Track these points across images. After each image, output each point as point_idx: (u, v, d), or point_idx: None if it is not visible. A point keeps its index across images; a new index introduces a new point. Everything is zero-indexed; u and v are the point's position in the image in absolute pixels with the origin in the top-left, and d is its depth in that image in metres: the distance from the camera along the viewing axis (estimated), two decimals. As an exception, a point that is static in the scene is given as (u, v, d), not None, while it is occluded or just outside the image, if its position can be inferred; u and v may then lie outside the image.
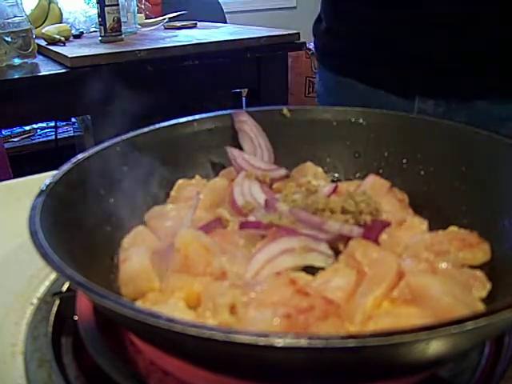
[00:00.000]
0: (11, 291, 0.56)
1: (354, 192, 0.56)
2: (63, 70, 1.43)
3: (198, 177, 0.64)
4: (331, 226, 0.52)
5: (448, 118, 0.75)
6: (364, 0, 0.85)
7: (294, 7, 3.42)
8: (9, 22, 1.46)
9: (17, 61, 1.50)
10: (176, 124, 0.65)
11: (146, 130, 0.62)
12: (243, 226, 0.54)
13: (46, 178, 0.49)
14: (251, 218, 0.56)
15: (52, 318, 0.51)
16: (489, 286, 0.47)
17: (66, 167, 0.52)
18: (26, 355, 0.47)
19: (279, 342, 0.29)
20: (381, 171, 0.65)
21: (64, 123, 2.67)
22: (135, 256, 0.49)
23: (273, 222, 0.52)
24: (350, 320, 0.42)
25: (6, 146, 2.32)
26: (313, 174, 0.65)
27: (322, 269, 0.49)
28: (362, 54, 0.88)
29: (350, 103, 0.69)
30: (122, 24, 1.65)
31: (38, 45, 1.59)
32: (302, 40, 1.71)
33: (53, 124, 2.63)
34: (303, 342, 0.29)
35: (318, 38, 0.99)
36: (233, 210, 0.59)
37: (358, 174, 0.67)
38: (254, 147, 0.67)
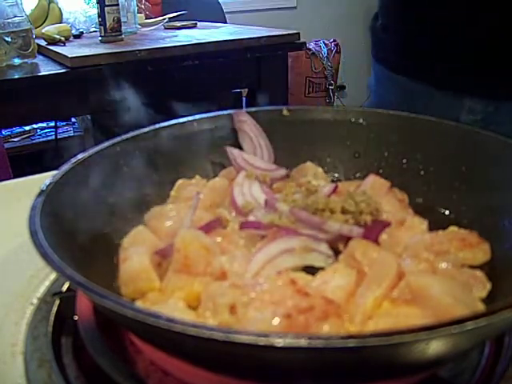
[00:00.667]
0: (11, 291, 0.56)
1: (354, 192, 0.56)
2: (63, 70, 1.43)
3: (198, 177, 0.64)
4: (331, 226, 0.52)
5: (497, 117, 0.77)
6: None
7: (294, 7, 3.42)
8: (9, 22, 1.46)
9: (17, 61, 1.50)
10: (176, 124, 0.65)
11: (145, 129, 0.62)
12: (243, 226, 0.54)
13: (45, 178, 0.49)
14: (251, 218, 0.56)
15: (52, 318, 0.51)
16: (489, 286, 0.47)
17: (65, 167, 0.52)
18: (26, 355, 0.47)
19: (279, 342, 0.29)
20: (381, 171, 0.65)
21: (64, 123, 2.67)
22: (135, 256, 0.49)
23: (273, 221, 0.52)
24: (350, 320, 0.42)
25: (6, 146, 2.31)
26: (313, 174, 0.65)
27: (322, 269, 0.49)
28: (416, 52, 0.89)
29: (399, 100, 0.69)
30: (122, 24, 1.65)
31: (38, 45, 1.59)
32: (302, 40, 1.70)
33: (53, 124, 2.63)
34: (303, 342, 0.29)
35: (374, 34, 1.01)
36: (233, 210, 0.59)
37: (358, 174, 0.67)
38: (253, 147, 0.67)
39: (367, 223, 0.52)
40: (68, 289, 0.54)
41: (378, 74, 1.01)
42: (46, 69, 1.46)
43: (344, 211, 0.53)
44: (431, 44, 0.86)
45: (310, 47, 3.20)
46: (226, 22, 2.54)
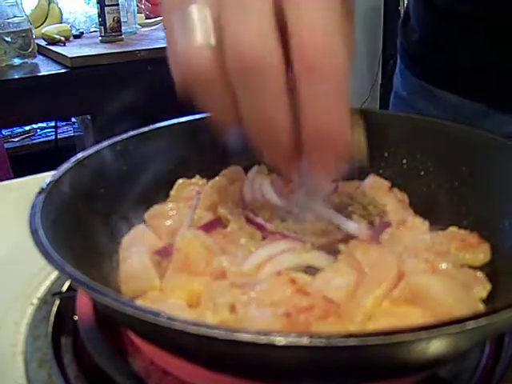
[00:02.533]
0: (11, 291, 0.56)
1: (358, 194, 0.56)
2: (63, 70, 1.43)
3: (198, 177, 0.64)
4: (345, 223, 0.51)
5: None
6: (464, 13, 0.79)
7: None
8: (9, 22, 1.46)
9: (17, 61, 1.50)
10: (176, 123, 0.65)
11: (145, 129, 0.62)
12: (249, 221, 0.54)
13: (45, 178, 0.49)
14: (259, 219, 0.55)
15: (52, 318, 0.51)
16: (489, 286, 0.47)
17: (65, 166, 0.52)
18: (26, 355, 0.47)
19: (280, 341, 0.29)
20: (381, 171, 0.64)
21: (64, 123, 2.67)
22: (135, 255, 0.49)
23: (278, 229, 0.52)
24: (350, 320, 0.42)
25: (6, 146, 2.31)
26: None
27: (322, 269, 0.49)
28: (457, 66, 0.84)
29: (431, 110, 0.67)
30: (122, 24, 1.66)
31: (38, 45, 1.59)
32: (301, 40, 1.70)
33: (53, 124, 2.63)
34: (304, 341, 0.29)
35: (405, 38, 0.94)
36: (240, 205, 0.58)
37: (358, 174, 0.67)
38: None
39: (375, 225, 0.52)
40: (68, 289, 0.54)
41: (412, 86, 0.94)
42: (46, 69, 1.46)
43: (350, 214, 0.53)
44: (472, 58, 0.80)
45: (310, 48, 3.20)
46: (225, 23, 2.53)
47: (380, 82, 3.73)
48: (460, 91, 0.85)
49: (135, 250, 0.50)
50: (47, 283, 0.57)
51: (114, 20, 1.59)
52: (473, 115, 0.82)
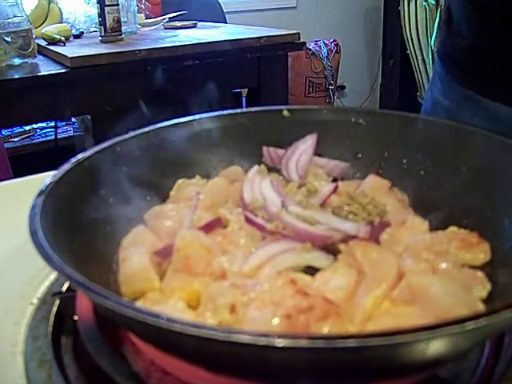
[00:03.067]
0: (11, 291, 0.56)
1: (355, 193, 0.56)
2: (63, 70, 1.43)
3: (198, 177, 0.64)
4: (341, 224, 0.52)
5: None
6: None
7: (294, 7, 3.42)
8: (9, 22, 1.46)
9: (17, 61, 1.50)
10: (176, 124, 0.65)
11: (146, 129, 0.62)
12: (249, 221, 0.54)
13: (45, 177, 0.49)
14: (259, 220, 0.55)
15: (52, 317, 0.51)
16: (489, 286, 0.47)
17: (65, 167, 0.52)
18: (26, 355, 0.47)
19: (280, 342, 0.29)
20: (381, 171, 0.64)
21: (64, 123, 2.67)
22: (135, 256, 0.49)
23: (278, 229, 0.52)
24: (350, 320, 0.42)
25: (6, 145, 2.31)
26: (313, 175, 0.65)
27: (322, 269, 0.49)
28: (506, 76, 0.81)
29: (475, 120, 0.65)
30: (122, 24, 1.65)
31: (38, 45, 1.59)
32: (302, 40, 1.70)
33: (53, 124, 2.63)
34: (304, 342, 0.29)
35: (450, 43, 0.89)
36: (240, 205, 0.58)
37: (357, 174, 0.67)
38: None
39: (375, 225, 0.52)
40: (68, 289, 0.54)
41: (456, 95, 0.89)
42: (46, 69, 1.46)
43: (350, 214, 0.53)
44: None
45: (310, 47, 3.20)
46: (226, 22, 2.54)
47: (380, 81, 3.73)
48: (509, 102, 0.81)
49: (135, 250, 0.50)
50: (47, 283, 0.57)
51: (113, 20, 1.59)
52: None
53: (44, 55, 1.62)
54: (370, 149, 0.66)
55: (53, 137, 2.60)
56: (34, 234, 0.40)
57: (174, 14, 2.04)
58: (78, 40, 1.75)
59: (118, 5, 1.61)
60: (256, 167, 0.63)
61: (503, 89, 0.82)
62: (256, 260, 0.48)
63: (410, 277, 0.45)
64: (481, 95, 0.85)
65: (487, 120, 0.83)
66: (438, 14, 2.66)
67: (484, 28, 0.82)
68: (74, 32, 1.80)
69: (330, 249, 0.51)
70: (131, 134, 0.61)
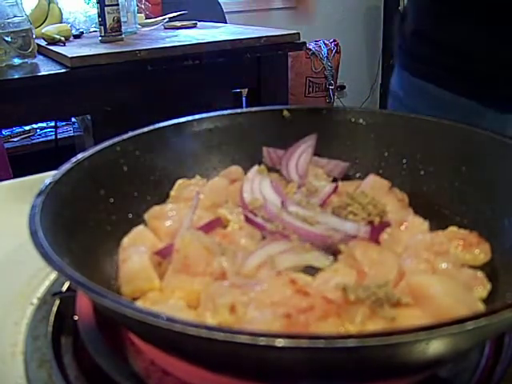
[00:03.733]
0: (11, 291, 0.56)
1: (355, 193, 0.56)
2: (63, 70, 1.43)
3: (198, 177, 0.64)
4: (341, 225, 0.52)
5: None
6: (469, 14, 0.79)
7: (294, 7, 3.42)
8: (9, 22, 1.46)
9: (17, 61, 1.50)
10: (176, 124, 0.65)
11: (145, 129, 0.62)
12: (249, 221, 0.54)
13: (45, 178, 0.49)
14: (259, 219, 0.55)
15: (52, 317, 0.51)
16: (489, 286, 0.47)
17: (65, 167, 0.52)
18: (26, 355, 0.47)
19: (280, 342, 0.29)
20: (381, 171, 0.64)
21: (64, 123, 2.67)
22: (135, 256, 0.49)
23: (278, 229, 0.52)
24: (349, 320, 0.42)
25: (6, 145, 2.31)
26: (313, 175, 0.65)
27: (322, 269, 0.49)
28: (457, 64, 0.83)
29: (425, 108, 0.66)
30: (122, 24, 1.65)
31: (38, 45, 1.59)
32: (302, 40, 1.70)
33: (53, 124, 2.63)
34: (304, 342, 0.29)
35: (403, 38, 0.93)
36: (240, 205, 0.59)
37: (358, 174, 0.67)
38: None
39: (375, 225, 0.52)
40: (68, 289, 0.54)
41: (409, 85, 0.93)
42: (46, 69, 1.46)
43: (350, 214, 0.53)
44: (472, 58, 0.80)
45: (310, 47, 3.20)
46: (226, 22, 2.54)
47: (380, 82, 3.73)
48: (454, 88, 0.85)
49: (135, 250, 0.50)
50: (47, 283, 0.57)
51: (113, 20, 1.59)
52: (467, 113, 0.81)
53: (44, 55, 1.62)
54: (370, 149, 0.66)
55: (53, 137, 2.60)
56: (33, 234, 0.40)
57: (174, 14, 2.04)
58: (78, 40, 1.75)
59: (118, 5, 1.61)
60: (256, 167, 0.63)
61: (447, 74, 0.85)
62: (256, 260, 0.48)
63: (410, 277, 0.45)
64: (426, 81, 0.89)
65: (435, 108, 0.86)
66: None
67: (426, 9, 0.86)
68: (74, 32, 1.80)
69: (330, 249, 0.51)
70: (131, 133, 0.61)
